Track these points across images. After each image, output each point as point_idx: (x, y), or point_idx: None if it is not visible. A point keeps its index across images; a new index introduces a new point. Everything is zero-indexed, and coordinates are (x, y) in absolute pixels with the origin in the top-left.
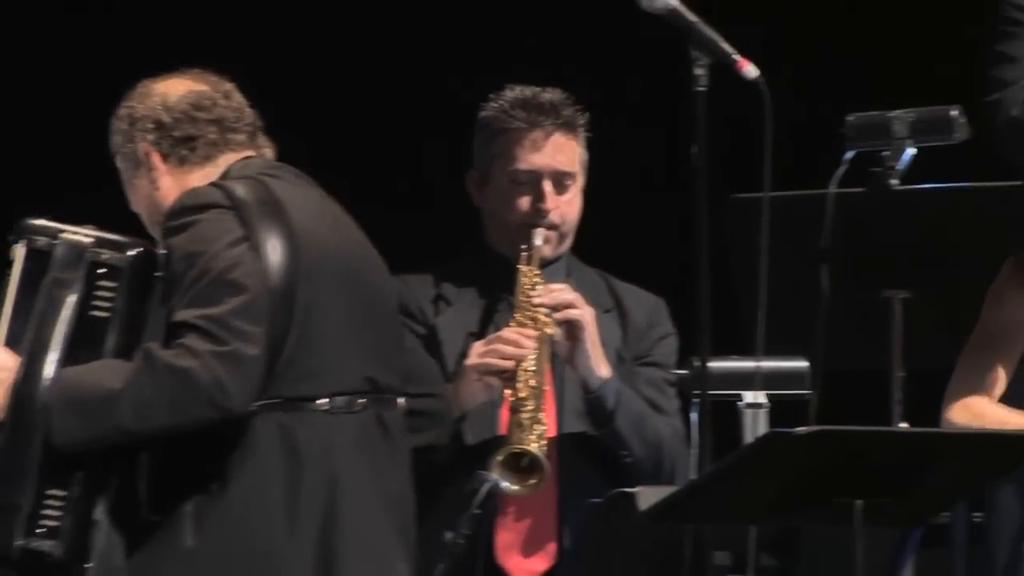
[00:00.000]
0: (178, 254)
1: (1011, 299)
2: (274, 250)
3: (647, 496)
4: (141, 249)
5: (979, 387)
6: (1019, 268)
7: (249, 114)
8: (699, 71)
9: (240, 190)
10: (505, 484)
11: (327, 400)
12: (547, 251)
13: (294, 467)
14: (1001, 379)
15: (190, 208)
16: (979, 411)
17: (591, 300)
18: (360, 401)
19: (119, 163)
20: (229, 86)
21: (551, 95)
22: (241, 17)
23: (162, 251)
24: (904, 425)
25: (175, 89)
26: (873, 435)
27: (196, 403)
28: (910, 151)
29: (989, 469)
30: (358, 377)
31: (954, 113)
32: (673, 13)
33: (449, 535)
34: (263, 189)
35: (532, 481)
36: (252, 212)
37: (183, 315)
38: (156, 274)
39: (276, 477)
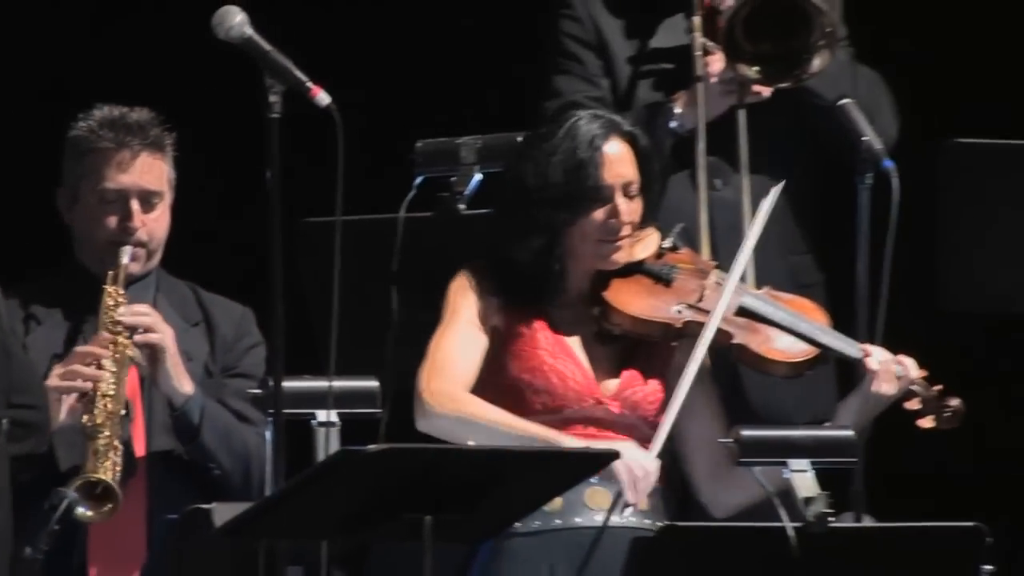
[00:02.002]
0: None
1: (473, 294)
2: None
3: (222, 512)
4: None
5: (456, 371)
6: (472, 274)
7: None
8: (273, 98)
9: None
10: (80, 510)
11: None
12: (135, 268)
13: None
14: (473, 365)
15: None
16: (461, 398)
17: (179, 314)
18: None
19: None
20: None
21: (139, 115)
22: None
23: None
24: (471, 442)
25: None
26: (441, 453)
27: None
28: (477, 176)
29: (551, 485)
30: None
31: (520, 139)
32: (249, 42)
33: (28, 551)
34: None
35: (107, 508)
36: None
37: None
38: None
39: None
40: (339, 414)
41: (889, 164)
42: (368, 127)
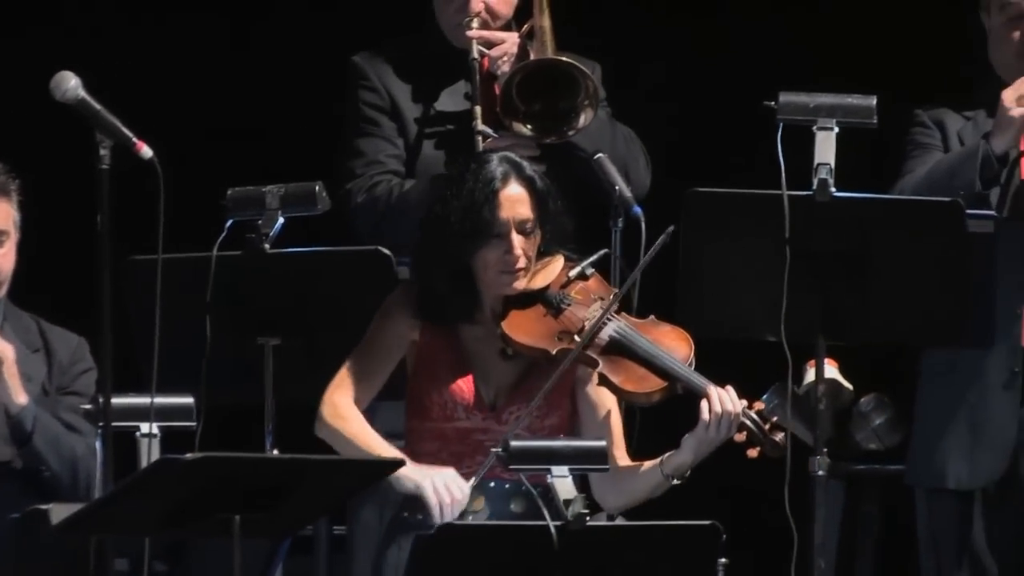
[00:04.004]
0: None
1: (395, 316)
2: None
3: (59, 512)
4: None
5: (355, 389)
6: (406, 293)
7: None
8: (103, 151)
9: None
10: None
11: None
12: None
13: None
14: (374, 384)
15: None
16: (344, 415)
17: (23, 341)
18: None
19: None
20: None
21: None
22: None
23: None
24: (275, 452)
25: None
26: (249, 461)
27: None
28: (281, 220)
29: (342, 489)
30: None
31: (317, 188)
32: (82, 103)
33: None
34: None
35: None
36: None
37: None
38: None
39: None
40: (159, 427)
41: (638, 210)
42: (188, 177)
